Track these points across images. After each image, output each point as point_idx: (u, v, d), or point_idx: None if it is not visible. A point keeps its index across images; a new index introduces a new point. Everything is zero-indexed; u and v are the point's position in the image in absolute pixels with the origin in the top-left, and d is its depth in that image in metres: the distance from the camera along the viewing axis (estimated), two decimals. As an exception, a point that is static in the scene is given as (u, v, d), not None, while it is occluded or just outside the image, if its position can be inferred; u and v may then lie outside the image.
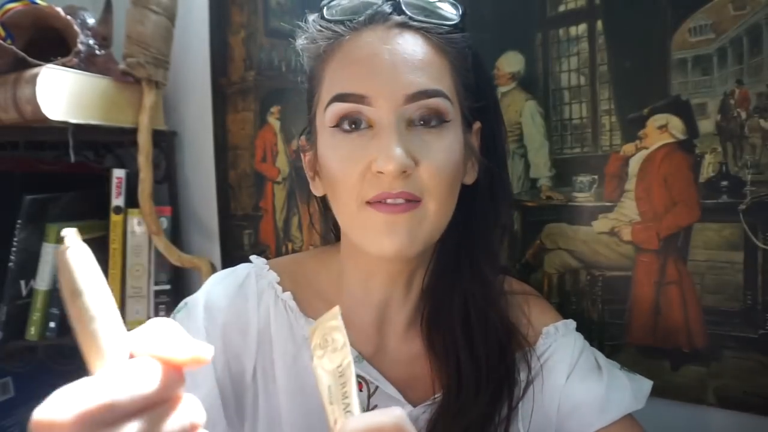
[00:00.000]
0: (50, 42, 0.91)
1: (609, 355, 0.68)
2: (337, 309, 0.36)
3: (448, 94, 0.51)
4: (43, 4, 0.88)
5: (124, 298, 0.99)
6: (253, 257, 0.65)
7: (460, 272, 0.57)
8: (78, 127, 0.91)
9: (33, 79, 0.83)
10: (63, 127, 0.89)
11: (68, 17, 0.89)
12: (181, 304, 0.62)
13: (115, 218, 0.99)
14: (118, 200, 0.99)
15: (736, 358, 0.62)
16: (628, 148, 0.67)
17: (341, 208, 0.53)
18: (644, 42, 0.65)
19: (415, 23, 0.52)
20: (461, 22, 0.54)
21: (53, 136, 0.91)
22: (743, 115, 0.60)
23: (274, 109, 1.00)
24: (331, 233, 0.67)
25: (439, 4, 0.54)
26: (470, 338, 0.55)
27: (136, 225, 1.00)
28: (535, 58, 0.73)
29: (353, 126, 0.51)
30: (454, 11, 0.55)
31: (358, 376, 0.55)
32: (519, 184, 0.75)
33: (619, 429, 0.55)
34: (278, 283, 0.60)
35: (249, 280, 0.60)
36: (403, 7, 0.52)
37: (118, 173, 0.99)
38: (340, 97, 0.50)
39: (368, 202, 0.50)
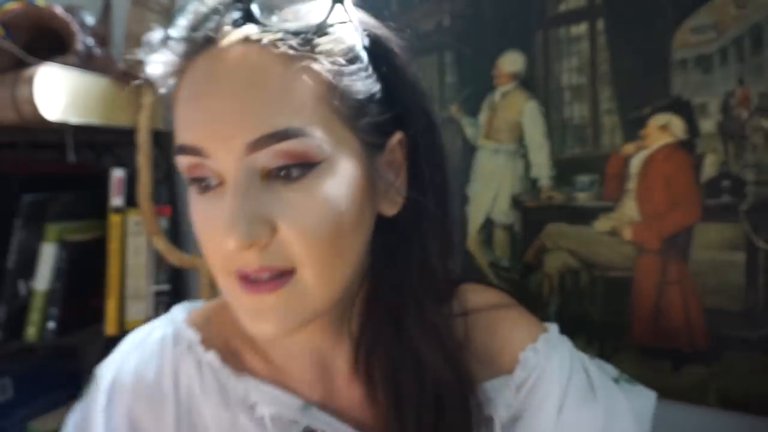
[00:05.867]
0: (49, 42, 0.90)
1: (610, 355, 0.68)
2: None
3: (315, 127, 0.38)
4: (42, 4, 0.88)
5: (124, 298, 0.99)
6: (176, 309, 0.55)
7: (385, 322, 0.47)
8: (77, 127, 0.91)
9: (31, 79, 0.83)
10: (62, 127, 0.89)
11: (67, 17, 0.89)
12: (91, 380, 0.53)
13: (115, 218, 0.98)
14: (117, 200, 0.98)
15: (737, 359, 0.62)
16: (629, 147, 0.67)
17: (215, 276, 0.43)
18: (645, 41, 0.65)
19: (262, 35, 0.39)
20: (335, 13, 0.40)
21: (52, 137, 0.91)
22: (745, 114, 0.60)
23: (274, 108, 0.99)
24: None
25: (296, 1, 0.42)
26: (402, 392, 0.46)
27: (136, 225, 1.00)
28: (535, 58, 0.72)
29: (205, 186, 0.41)
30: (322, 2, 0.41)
31: (306, 428, 0.47)
32: (519, 184, 0.75)
33: None
34: (201, 342, 0.50)
35: (164, 348, 0.50)
36: (254, 13, 0.39)
37: (118, 173, 0.99)
38: (180, 150, 0.41)
39: (233, 274, 0.40)
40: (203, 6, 0.41)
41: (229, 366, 0.49)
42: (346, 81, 0.40)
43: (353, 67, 0.41)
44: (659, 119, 0.65)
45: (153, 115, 1.00)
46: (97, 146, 1.14)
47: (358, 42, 0.41)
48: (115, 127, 0.98)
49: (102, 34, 0.97)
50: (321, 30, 0.39)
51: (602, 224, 0.69)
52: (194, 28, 0.41)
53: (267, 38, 0.38)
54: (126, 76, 0.96)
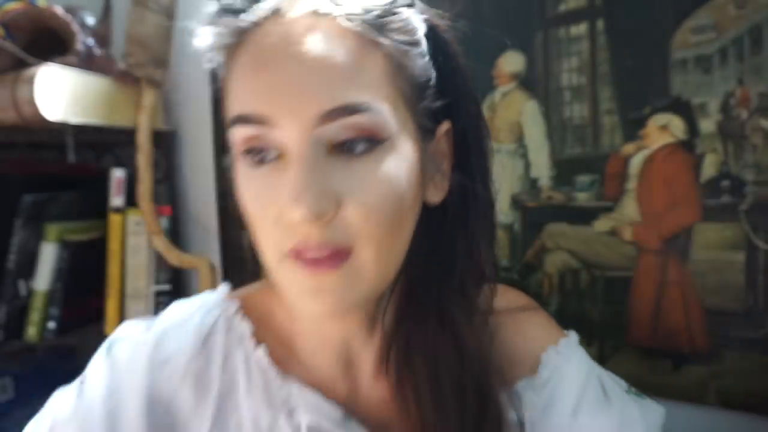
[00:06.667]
0: (49, 42, 0.91)
1: (609, 355, 0.68)
2: None
3: (383, 104, 0.38)
4: (42, 4, 0.88)
5: (124, 298, 0.99)
6: (220, 290, 0.52)
7: (427, 310, 0.46)
8: (77, 127, 0.91)
9: (31, 79, 0.83)
10: (62, 127, 0.89)
11: (67, 17, 0.89)
12: (104, 346, 0.49)
13: (115, 218, 0.98)
14: (117, 200, 0.99)
15: (737, 359, 0.62)
16: (629, 147, 0.67)
17: (263, 257, 0.42)
18: (645, 41, 0.65)
19: (334, 9, 0.39)
20: None
21: (52, 137, 0.91)
22: (744, 114, 0.60)
23: (274, 108, 0.99)
24: None
25: None
26: (442, 384, 0.45)
27: (136, 225, 1.00)
28: (535, 58, 0.73)
29: (261, 159, 0.39)
30: None
31: None
32: (519, 184, 0.75)
33: None
34: (252, 336, 0.48)
35: (216, 334, 0.49)
36: None
37: (118, 173, 0.99)
38: (240, 119, 0.39)
39: (289, 253, 0.39)
40: None
41: (275, 365, 0.48)
42: (410, 63, 0.41)
43: (417, 50, 0.41)
44: (659, 119, 0.65)
45: (153, 115, 1.00)
46: (97, 146, 1.14)
47: (420, 27, 0.42)
48: (115, 127, 0.98)
49: (102, 34, 0.97)
50: (391, 10, 0.40)
51: (602, 224, 0.69)
52: None
53: (338, 12, 0.39)
54: (126, 76, 0.97)
